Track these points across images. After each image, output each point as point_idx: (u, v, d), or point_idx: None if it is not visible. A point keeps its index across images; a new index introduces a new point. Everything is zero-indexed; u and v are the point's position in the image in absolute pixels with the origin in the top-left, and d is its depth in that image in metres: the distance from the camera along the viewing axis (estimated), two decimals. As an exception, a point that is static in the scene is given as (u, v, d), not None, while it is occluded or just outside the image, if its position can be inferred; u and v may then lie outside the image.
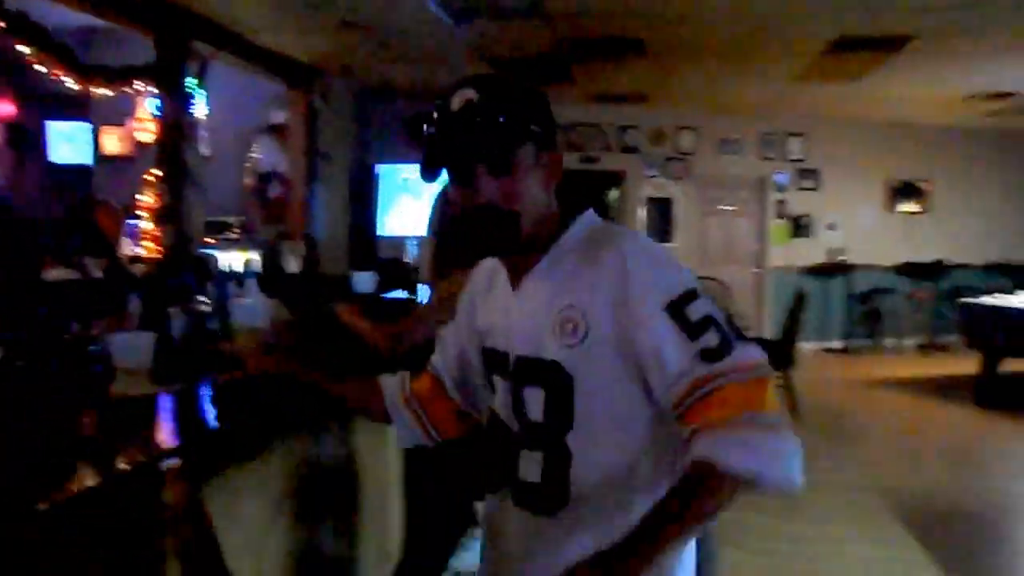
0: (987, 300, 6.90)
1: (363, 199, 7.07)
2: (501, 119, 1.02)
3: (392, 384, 1.28)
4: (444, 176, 1.08)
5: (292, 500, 1.75)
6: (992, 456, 4.86)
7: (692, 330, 0.96)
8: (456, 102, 1.03)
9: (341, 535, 2.09)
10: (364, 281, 4.00)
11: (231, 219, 6.42)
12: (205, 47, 5.23)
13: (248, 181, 6.95)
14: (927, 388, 6.99)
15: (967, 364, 6.70)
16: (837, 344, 8.91)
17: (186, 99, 5.17)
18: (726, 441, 0.91)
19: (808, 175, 8.88)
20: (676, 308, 0.97)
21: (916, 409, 6.35)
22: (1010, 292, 7.14)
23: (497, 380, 1.14)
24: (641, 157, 8.39)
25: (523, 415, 1.08)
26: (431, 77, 6.66)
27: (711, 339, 0.95)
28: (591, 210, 1.12)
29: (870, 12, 4.75)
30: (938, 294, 8.70)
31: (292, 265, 5.29)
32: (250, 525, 1.54)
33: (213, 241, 5.80)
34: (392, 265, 5.24)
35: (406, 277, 4.19)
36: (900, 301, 9.02)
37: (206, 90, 5.44)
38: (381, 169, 7.02)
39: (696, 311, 0.97)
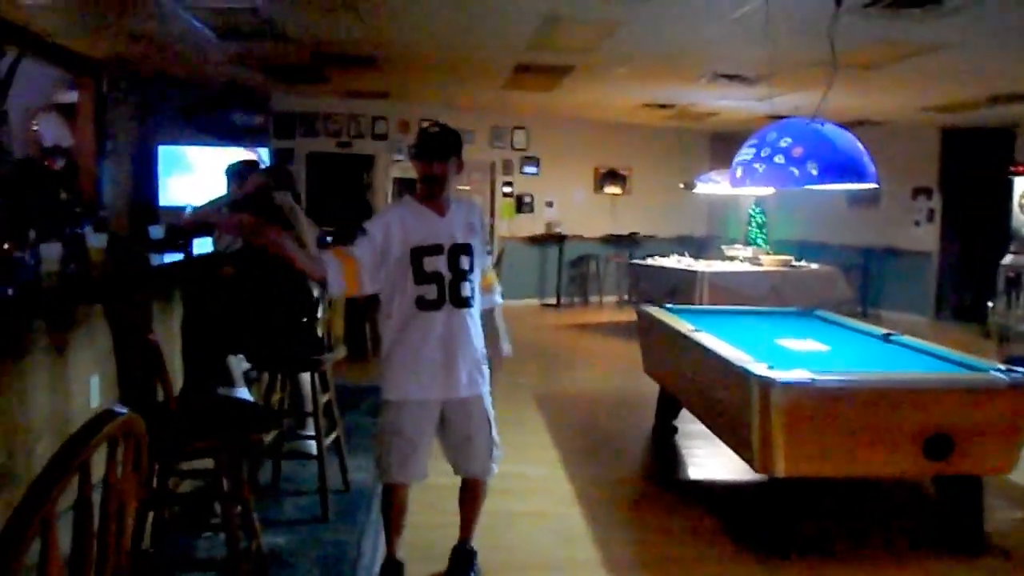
0: (648, 261, 10.80)
1: (145, 174, 9.75)
2: (449, 140, 2.93)
3: (337, 270, 2.91)
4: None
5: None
6: (623, 369, 8.42)
7: (486, 244, 3.15)
8: (431, 131, 2.95)
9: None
10: (156, 230, 6.69)
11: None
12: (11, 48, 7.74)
13: (32, 153, 9.31)
14: (607, 329, 10.70)
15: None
16: (552, 300, 12.69)
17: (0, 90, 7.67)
18: (493, 296, 3.26)
19: (530, 161, 12.62)
20: (482, 235, 3.10)
21: (592, 343, 10.01)
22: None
23: (429, 258, 2.89)
24: (389, 144, 11.68)
25: (458, 267, 2.91)
26: (205, 72, 9.49)
27: (489, 248, 3.34)
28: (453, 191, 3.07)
29: (535, 51, 7.98)
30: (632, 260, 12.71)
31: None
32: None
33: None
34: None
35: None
36: (603, 265, 13.02)
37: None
38: (162, 149, 9.75)
39: (487, 235, 3.26)
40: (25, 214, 6.74)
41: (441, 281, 2.95)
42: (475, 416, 3.08)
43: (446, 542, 3.42)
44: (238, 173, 4.80)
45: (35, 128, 9.59)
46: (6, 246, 3.59)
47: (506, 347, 3.32)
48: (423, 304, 2.95)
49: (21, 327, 3.10)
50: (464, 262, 3.00)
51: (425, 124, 3.13)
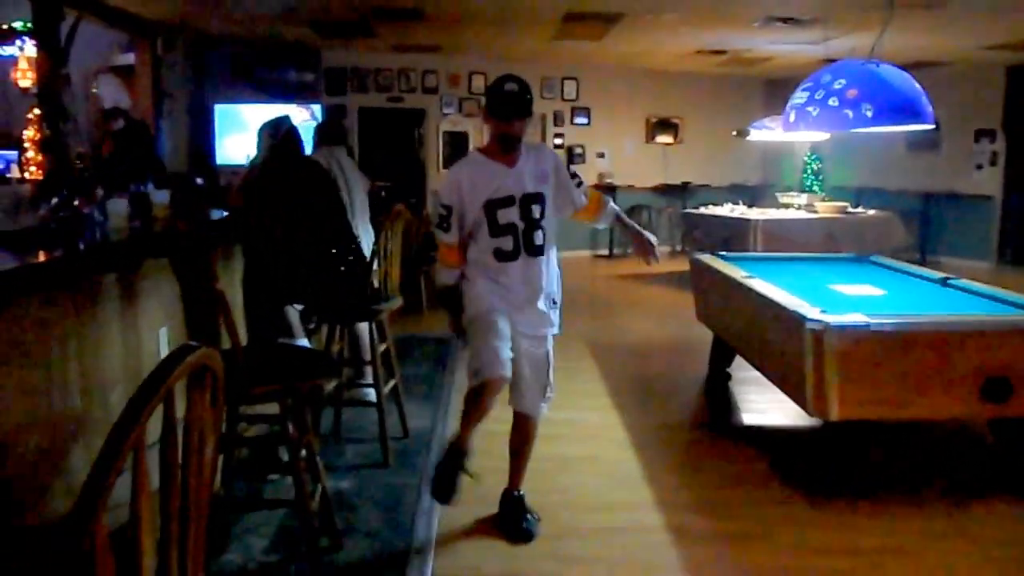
0: (701, 210, 10.72)
1: (201, 133, 9.93)
2: (527, 98, 2.93)
3: (458, 275, 3.17)
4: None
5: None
6: (676, 318, 8.36)
7: (574, 176, 3.21)
8: (508, 88, 2.90)
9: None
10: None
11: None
12: (71, 11, 7.90)
13: (95, 116, 9.56)
14: (660, 279, 10.64)
15: (680, 257, 10.44)
16: (604, 251, 12.70)
17: (60, 53, 7.85)
18: (608, 208, 3.34)
19: (581, 112, 12.53)
20: (569, 173, 3.19)
21: (645, 292, 10.00)
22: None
23: (502, 210, 2.96)
24: (440, 97, 11.71)
25: (530, 217, 2.98)
26: (257, 31, 9.57)
27: (579, 180, 3.22)
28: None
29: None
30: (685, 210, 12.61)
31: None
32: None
33: (81, 164, 8.49)
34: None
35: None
36: (656, 215, 12.93)
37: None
38: (218, 108, 9.91)
39: (571, 171, 3.24)
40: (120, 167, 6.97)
41: (516, 232, 3.02)
42: (535, 354, 3.18)
43: (498, 487, 3.50)
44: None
45: (94, 90, 9.81)
46: (76, 202, 3.73)
47: (651, 236, 3.41)
48: (500, 255, 3.04)
49: (93, 281, 3.23)
50: (536, 211, 3.04)
51: (500, 80, 3.02)
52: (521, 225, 3.02)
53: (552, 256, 3.18)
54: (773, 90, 12.91)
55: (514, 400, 3.27)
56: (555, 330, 3.25)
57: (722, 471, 4.09)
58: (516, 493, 3.41)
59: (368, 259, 4.29)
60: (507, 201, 3.01)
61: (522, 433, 3.35)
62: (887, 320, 3.59)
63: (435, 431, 4.56)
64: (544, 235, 3.08)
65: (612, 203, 3.40)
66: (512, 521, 3.35)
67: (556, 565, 3.14)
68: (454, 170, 3.15)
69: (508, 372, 3.06)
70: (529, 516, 3.36)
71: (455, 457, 3.25)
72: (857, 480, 3.86)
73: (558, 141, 12.41)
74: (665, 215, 12.83)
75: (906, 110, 4.12)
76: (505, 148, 3.01)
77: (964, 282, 4.72)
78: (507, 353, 3.05)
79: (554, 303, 3.21)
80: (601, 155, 12.63)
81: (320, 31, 9.54)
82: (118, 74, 9.73)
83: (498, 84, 2.97)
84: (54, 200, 3.84)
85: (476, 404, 3.16)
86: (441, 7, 8.35)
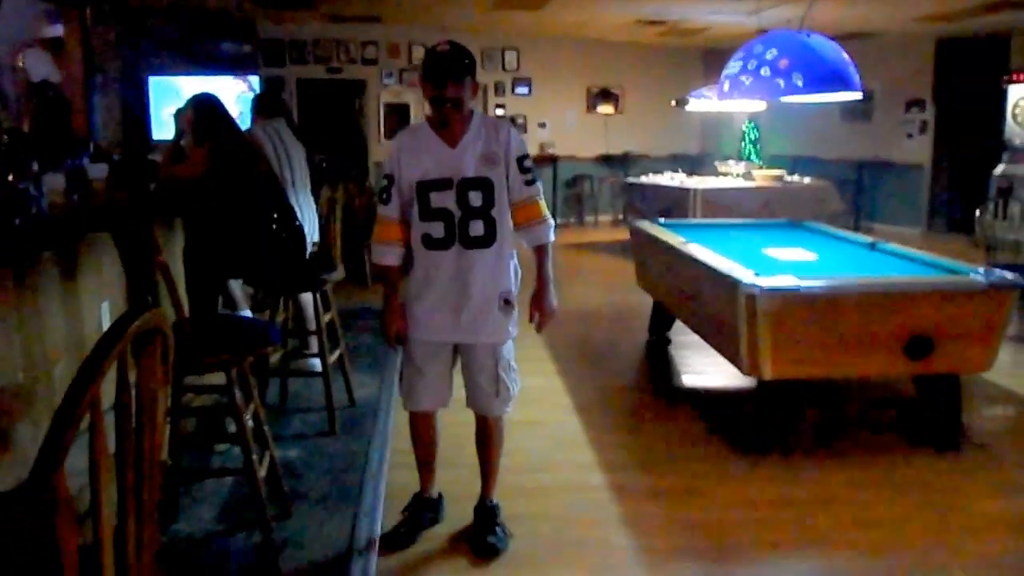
0: (642, 179, 10.89)
1: (135, 106, 9.73)
2: (463, 59, 2.58)
3: (399, 253, 2.83)
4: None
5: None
6: (618, 286, 8.60)
7: (524, 170, 2.74)
8: (440, 49, 2.59)
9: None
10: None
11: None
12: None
13: (21, 91, 9.29)
14: (603, 248, 10.83)
15: (622, 227, 10.60)
16: (548, 222, 12.83)
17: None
18: (545, 230, 2.82)
19: (522, 82, 12.57)
20: (521, 158, 2.72)
21: (588, 261, 10.13)
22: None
23: (436, 194, 2.65)
24: (379, 68, 11.63)
25: (467, 205, 2.65)
26: (190, 2, 9.40)
27: (530, 176, 2.76)
28: (479, 110, 2.74)
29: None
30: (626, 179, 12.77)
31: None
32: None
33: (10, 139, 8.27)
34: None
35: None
36: (597, 185, 13.09)
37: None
38: (153, 80, 9.71)
39: (528, 161, 2.74)
40: (39, 142, 6.83)
41: (450, 219, 2.70)
42: (479, 358, 2.86)
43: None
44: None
45: (21, 64, 9.52)
46: (10, 177, 3.68)
47: (553, 301, 2.95)
48: (429, 243, 2.73)
49: (32, 257, 3.22)
50: (475, 198, 2.69)
51: (434, 44, 2.69)
52: (457, 213, 2.69)
53: (506, 250, 2.81)
54: (711, 60, 13.09)
55: (468, 400, 2.99)
56: (510, 334, 2.90)
57: (664, 432, 4.24)
58: (488, 503, 3.09)
59: (303, 230, 4.29)
60: (442, 184, 2.68)
61: (481, 435, 3.02)
62: (817, 283, 3.74)
63: (381, 399, 4.62)
64: (488, 226, 2.72)
65: (550, 232, 2.88)
66: (477, 533, 3.03)
67: (502, 524, 3.24)
68: (396, 137, 2.82)
69: (432, 403, 2.95)
70: (499, 530, 3.01)
71: (419, 507, 3.10)
72: (790, 437, 4.03)
73: (500, 111, 12.45)
74: (606, 185, 12.98)
75: (835, 79, 4.27)
76: (441, 118, 2.64)
77: (891, 246, 4.93)
78: (431, 386, 2.91)
79: (507, 303, 2.82)
80: (543, 125, 12.70)
81: (257, 1, 9.40)
82: (46, 47, 9.44)
83: (431, 48, 2.67)
84: (-14, 175, 3.78)
85: (413, 434, 3.05)
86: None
